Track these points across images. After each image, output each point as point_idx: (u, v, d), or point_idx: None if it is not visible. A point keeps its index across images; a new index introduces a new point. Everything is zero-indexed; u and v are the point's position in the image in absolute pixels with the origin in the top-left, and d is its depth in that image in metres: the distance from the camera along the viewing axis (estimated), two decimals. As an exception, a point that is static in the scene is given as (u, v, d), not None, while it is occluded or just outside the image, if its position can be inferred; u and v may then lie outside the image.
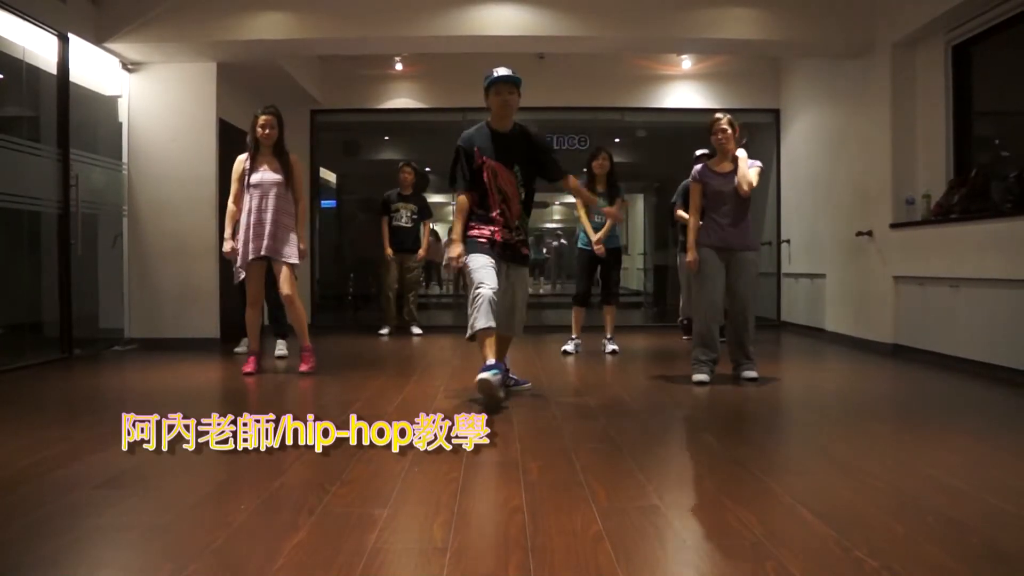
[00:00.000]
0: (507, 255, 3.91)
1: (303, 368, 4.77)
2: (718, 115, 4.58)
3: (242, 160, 4.85)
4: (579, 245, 5.99)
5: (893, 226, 5.90)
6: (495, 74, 3.85)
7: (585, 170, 5.82)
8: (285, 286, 4.76)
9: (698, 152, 6.11)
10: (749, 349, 4.54)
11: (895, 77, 5.95)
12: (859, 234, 6.31)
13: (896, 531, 2.01)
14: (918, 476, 2.56)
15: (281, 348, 5.81)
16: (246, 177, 4.78)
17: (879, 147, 6.10)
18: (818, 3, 6.16)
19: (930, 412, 3.81)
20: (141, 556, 1.90)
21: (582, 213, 5.88)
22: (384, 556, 1.84)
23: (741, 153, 4.50)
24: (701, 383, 4.40)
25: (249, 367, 4.81)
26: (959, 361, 4.99)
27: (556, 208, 19.75)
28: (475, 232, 3.87)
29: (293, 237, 4.80)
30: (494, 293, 3.68)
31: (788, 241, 8.17)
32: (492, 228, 3.86)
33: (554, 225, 20.55)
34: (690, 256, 4.54)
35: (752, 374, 4.50)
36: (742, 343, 4.53)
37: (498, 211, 3.86)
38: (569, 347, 5.94)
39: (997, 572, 1.79)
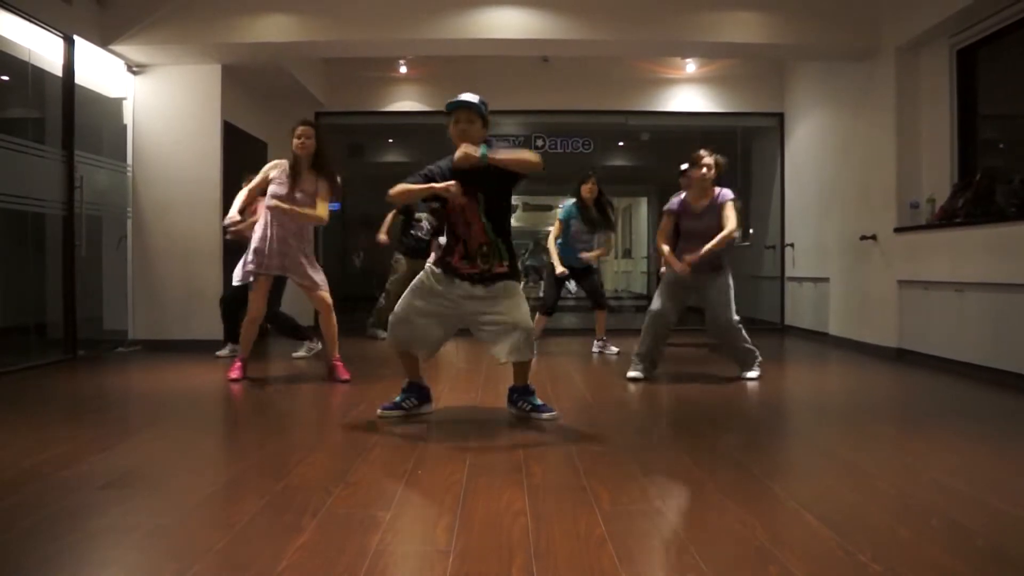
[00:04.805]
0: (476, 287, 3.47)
1: (344, 377, 4.68)
2: (702, 151, 4.62)
3: (279, 165, 4.63)
4: None
5: (897, 230, 5.89)
6: (455, 100, 3.46)
7: (575, 199, 6.14)
8: (324, 308, 4.80)
9: (683, 167, 6.07)
10: (749, 358, 4.79)
11: (899, 81, 5.96)
12: (863, 238, 6.30)
13: (900, 535, 2.00)
14: (922, 480, 2.55)
15: (301, 351, 5.87)
16: (280, 189, 4.55)
17: (883, 151, 6.09)
18: (822, 7, 6.16)
19: (934, 416, 3.80)
20: (145, 557, 1.91)
21: (551, 241, 6.22)
22: (387, 558, 1.84)
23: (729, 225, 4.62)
24: (634, 379, 4.67)
25: (235, 372, 4.71)
26: (963, 365, 4.98)
27: (558, 212, 19.60)
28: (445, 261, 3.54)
29: (313, 259, 4.79)
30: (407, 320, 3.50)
31: (792, 245, 8.17)
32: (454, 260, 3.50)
33: None
34: (683, 264, 4.54)
35: (752, 373, 4.76)
36: (739, 354, 4.78)
37: (460, 245, 3.48)
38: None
39: (1002, 577, 1.78)
